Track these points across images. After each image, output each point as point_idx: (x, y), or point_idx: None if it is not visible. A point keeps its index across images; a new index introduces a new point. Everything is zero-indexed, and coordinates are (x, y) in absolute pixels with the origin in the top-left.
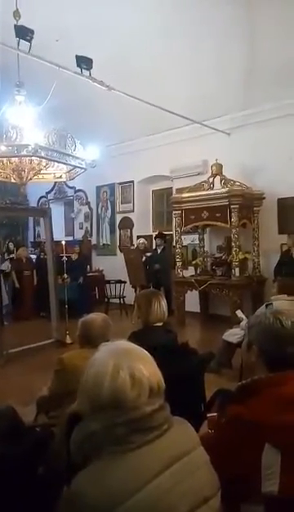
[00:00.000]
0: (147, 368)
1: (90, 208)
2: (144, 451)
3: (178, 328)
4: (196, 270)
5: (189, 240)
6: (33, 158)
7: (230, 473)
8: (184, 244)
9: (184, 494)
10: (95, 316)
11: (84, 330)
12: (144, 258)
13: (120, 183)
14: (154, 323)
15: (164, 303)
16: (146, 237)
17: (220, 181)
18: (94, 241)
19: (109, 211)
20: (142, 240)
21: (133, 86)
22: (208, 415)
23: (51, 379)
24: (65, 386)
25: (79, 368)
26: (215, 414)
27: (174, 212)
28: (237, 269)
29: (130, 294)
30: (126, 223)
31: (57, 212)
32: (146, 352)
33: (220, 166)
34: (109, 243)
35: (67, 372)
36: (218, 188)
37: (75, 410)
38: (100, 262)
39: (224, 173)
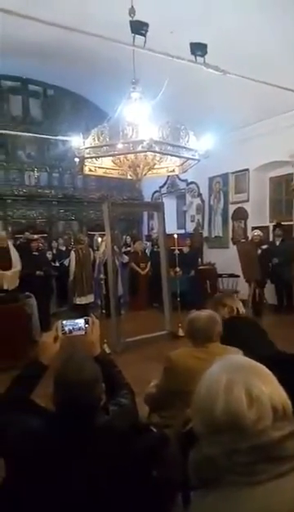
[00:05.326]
0: (267, 385)
1: (202, 200)
2: (275, 485)
3: None
4: None
5: None
6: (147, 153)
7: None
8: None
9: None
10: (201, 313)
11: (188, 325)
12: (259, 251)
13: (234, 172)
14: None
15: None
16: (262, 228)
17: None
18: (205, 234)
19: (222, 202)
20: (257, 232)
21: (246, 69)
22: None
23: (160, 377)
24: (175, 385)
25: (190, 367)
26: None
27: None
28: None
29: (244, 289)
30: (240, 214)
31: (169, 205)
32: (265, 368)
33: None
34: (221, 235)
35: (176, 371)
36: None
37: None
38: (211, 255)
39: None
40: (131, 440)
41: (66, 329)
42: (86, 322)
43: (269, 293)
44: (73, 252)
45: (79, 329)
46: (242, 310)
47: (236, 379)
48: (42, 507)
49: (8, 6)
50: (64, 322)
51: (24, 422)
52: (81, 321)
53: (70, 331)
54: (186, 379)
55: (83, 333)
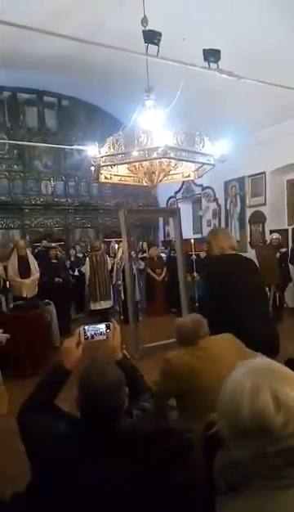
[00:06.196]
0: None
1: (218, 205)
2: None
3: None
4: None
5: None
6: (162, 159)
7: None
8: None
9: None
10: (186, 318)
11: (177, 332)
12: (278, 255)
13: (250, 176)
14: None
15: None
16: (281, 232)
17: None
18: None
19: (238, 206)
20: (276, 236)
21: (260, 72)
22: None
23: (159, 379)
24: (174, 385)
25: (189, 365)
26: None
27: None
28: None
29: None
30: (258, 218)
31: (185, 210)
32: (291, 371)
33: None
34: (238, 239)
35: (175, 371)
36: None
37: (213, 428)
38: None
39: None
40: (155, 444)
41: (88, 334)
42: (108, 327)
43: (290, 296)
44: (87, 258)
45: (101, 334)
46: (225, 246)
47: (261, 383)
48: (66, 511)
49: (23, 21)
50: (86, 327)
51: (49, 426)
52: (102, 326)
53: (92, 336)
54: (188, 378)
55: (104, 338)
